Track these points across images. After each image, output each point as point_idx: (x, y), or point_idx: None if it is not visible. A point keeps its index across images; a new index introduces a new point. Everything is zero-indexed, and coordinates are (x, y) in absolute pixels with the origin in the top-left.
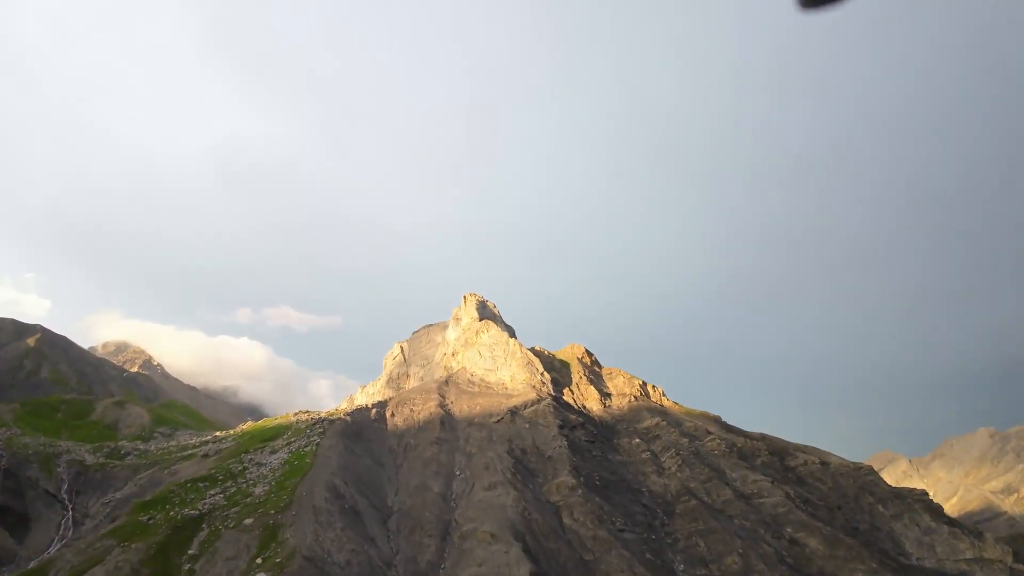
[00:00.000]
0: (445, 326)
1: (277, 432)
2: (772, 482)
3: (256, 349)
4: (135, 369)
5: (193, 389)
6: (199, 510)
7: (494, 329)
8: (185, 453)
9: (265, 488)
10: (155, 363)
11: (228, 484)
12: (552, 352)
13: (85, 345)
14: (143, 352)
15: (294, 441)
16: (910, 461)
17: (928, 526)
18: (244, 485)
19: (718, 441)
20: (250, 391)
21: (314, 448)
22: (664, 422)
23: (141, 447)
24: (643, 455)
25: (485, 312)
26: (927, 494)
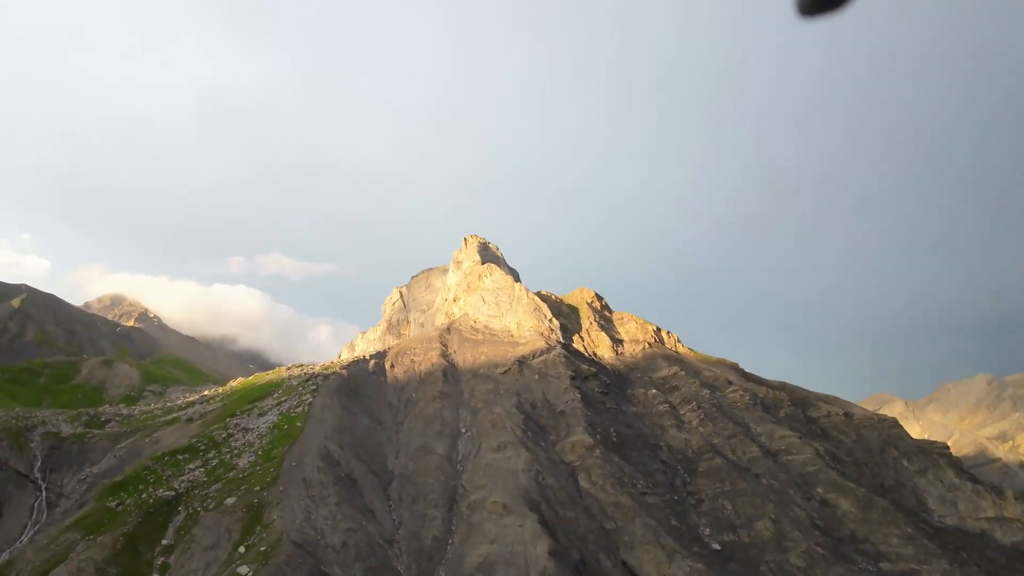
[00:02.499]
0: (445, 270)
1: (267, 390)
2: (800, 438)
3: (253, 297)
4: (131, 323)
5: (191, 340)
6: (175, 490)
7: (497, 273)
8: (169, 417)
9: (250, 459)
10: (151, 315)
11: (210, 455)
12: (560, 297)
13: (80, 301)
14: (139, 305)
15: (284, 401)
16: (906, 404)
17: (952, 482)
18: (228, 456)
19: (740, 392)
20: (249, 339)
21: (306, 409)
22: (682, 372)
23: (124, 412)
24: (660, 407)
25: (487, 255)
26: (948, 448)
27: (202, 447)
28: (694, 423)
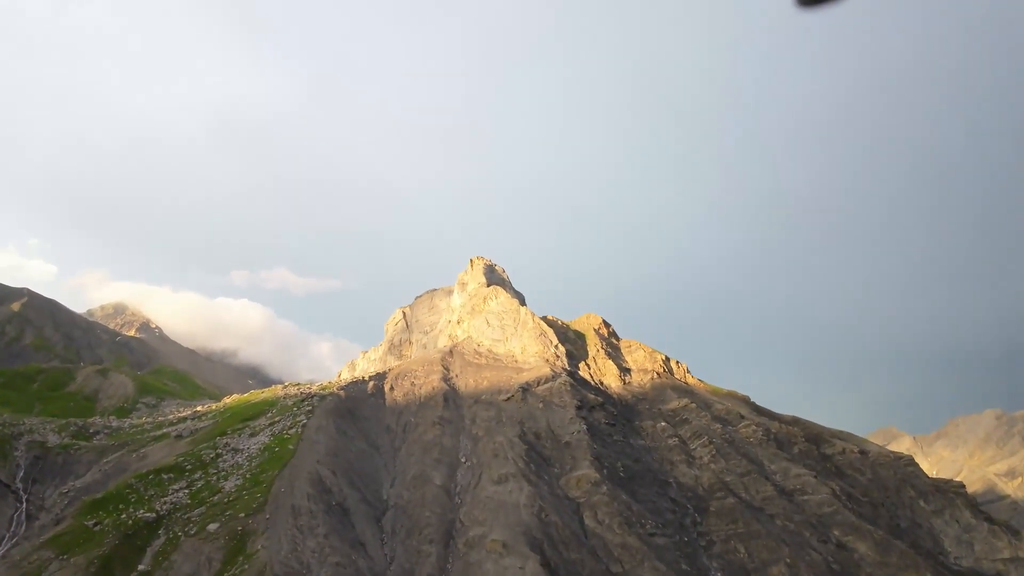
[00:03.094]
0: (450, 291)
1: (261, 409)
2: (816, 476)
3: (255, 311)
4: (132, 332)
5: (192, 352)
6: (156, 511)
7: (503, 295)
8: (159, 433)
9: (237, 482)
10: (153, 326)
11: (196, 476)
12: (566, 322)
13: (83, 308)
14: (140, 314)
15: (278, 421)
16: (914, 439)
17: (968, 523)
18: (214, 478)
19: (753, 428)
20: (250, 353)
21: (299, 431)
22: (693, 404)
23: (114, 424)
24: (670, 441)
25: (493, 277)
26: (964, 487)
27: (188, 467)
28: (705, 459)
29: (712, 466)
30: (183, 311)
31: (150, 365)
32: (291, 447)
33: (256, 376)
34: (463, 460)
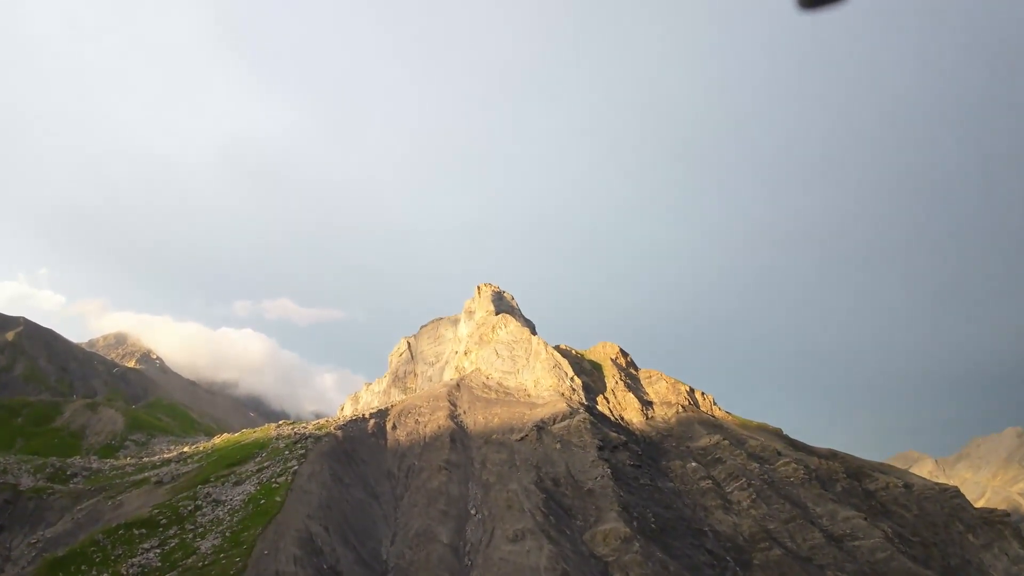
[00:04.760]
0: (456, 320)
1: (250, 451)
2: (865, 518)
3: (257, 341)
4: (132, 363)
5: (192, 383)
6: None
7: (513, 324)
8: (139, 477)
9: (216, 541)
10: (153, 356)
11: (170, 533)
12: (580, 352)
13: (84, 338)
14: (141, 345)
15: (267, 467)
16: (936, 461)
17: (1017, 555)
18: (190, 535)
19: (793, 465)
20: (251, 384)
21: (289, 478)
22: (725, 441)
23: (94, 466)
24: (703, 483)
25: (502, 305)
26: (1009, 515)
27: (163, 520)
28: (744, 504)
29: (752, 512)
30: (184, 341)
31: (147, 397)
32: (278, 499)
33: (258, 408)
34: (473, 512)
